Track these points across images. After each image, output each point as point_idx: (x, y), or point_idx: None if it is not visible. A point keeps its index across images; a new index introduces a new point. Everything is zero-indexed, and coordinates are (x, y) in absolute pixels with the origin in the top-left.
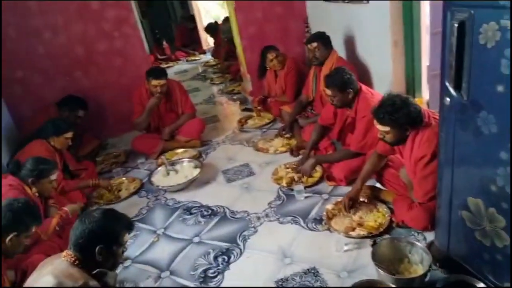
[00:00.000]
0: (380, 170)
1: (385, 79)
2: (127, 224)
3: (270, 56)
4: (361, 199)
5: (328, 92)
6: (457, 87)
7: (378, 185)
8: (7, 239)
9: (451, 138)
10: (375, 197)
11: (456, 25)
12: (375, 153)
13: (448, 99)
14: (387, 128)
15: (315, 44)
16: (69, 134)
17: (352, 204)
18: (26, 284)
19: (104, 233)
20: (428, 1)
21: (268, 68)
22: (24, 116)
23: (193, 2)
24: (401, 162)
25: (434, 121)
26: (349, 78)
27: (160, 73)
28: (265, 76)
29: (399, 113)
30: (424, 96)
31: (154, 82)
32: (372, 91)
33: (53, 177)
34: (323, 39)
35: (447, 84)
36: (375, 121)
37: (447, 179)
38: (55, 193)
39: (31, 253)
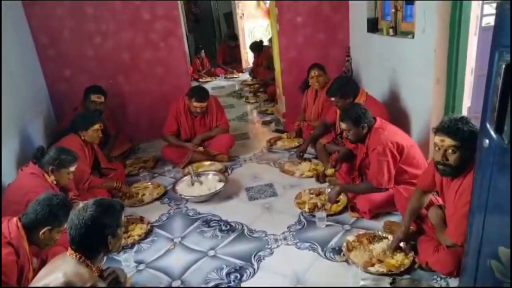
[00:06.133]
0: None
1: (422, 116)
2: (119, 206)
3: (313, 73)
4: (384, 235)
5: (343, 125)
6: (498, 130)
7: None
8: (41, 232)
9: (487, 182)
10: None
11: (503, 66)
12: (418, 189)
13: (487, 141)
14: (456, 143)
15: (332, 99)
16: (97, 126)
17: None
18: (37, 276)
19: (107, 225)
20: (476, 43)
21: (310, 84)
22: (65, 112)
23: (238, 22)
24: (432, 202)
25: None
26: (364, 113)
27: (203, 96)
28: (305, 93)
29: (470, 124)
30: None
31: (196, 104)
32: (388, 125)
33: (72, 169)
34: (341, 91)
35: (487, 125)
36: (442, 136)
37: (478, 225)
38: (83, 188)
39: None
